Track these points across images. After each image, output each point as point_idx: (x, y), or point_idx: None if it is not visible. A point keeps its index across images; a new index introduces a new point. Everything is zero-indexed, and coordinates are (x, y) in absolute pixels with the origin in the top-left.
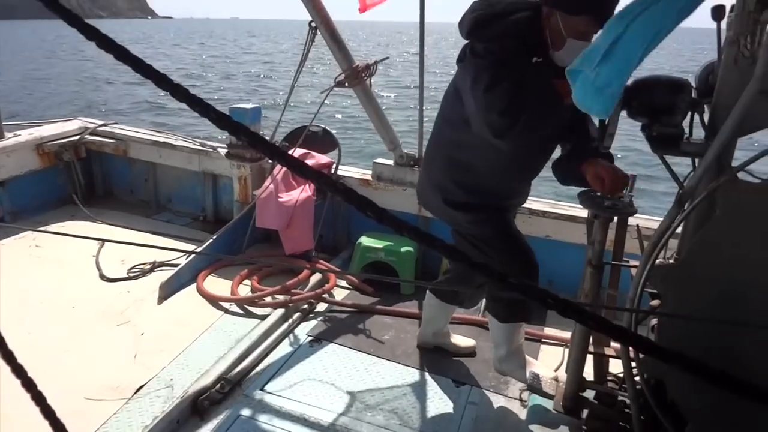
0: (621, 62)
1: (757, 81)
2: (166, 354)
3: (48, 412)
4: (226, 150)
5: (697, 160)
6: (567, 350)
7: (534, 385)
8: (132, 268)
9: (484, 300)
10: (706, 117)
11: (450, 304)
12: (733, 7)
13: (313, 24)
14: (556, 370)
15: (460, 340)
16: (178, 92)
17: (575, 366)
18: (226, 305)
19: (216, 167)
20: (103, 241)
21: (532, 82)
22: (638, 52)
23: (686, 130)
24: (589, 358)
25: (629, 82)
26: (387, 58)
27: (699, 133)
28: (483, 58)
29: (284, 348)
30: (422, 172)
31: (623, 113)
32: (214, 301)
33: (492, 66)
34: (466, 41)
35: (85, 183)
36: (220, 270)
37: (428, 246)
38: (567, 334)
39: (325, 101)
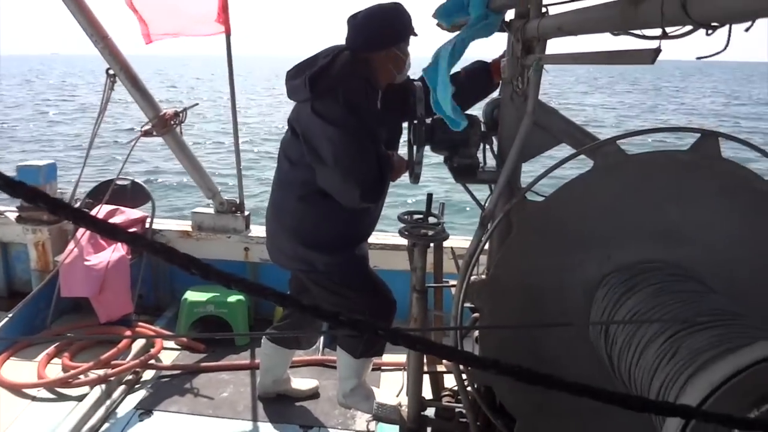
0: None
1: (530, 116)
2: None
3: None
4: (17, 214)
5: (493, 185)
6: (406, 374)
7: (379, 415)
8: None
9: (321, 338)
10: (496, 147)
11: (289, 349)
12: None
13: (111, 71)
14: (398, 395)
15: (302, 383)
16: None
17: (414, 388)
18: (32, 392)
19: (5, 234)
20: None
21: (379, 126)
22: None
23: (482, 159)
24: (427, 378)
25: (429, 120)
26: (197, 104)
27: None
28: (329, 122)
29: (110, 428)
30: (271, 220)
31: (428, 147)
32: (16, 389)
33: (343, 134)
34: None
35: None
36: (20, 352)
37: (259, 296)
38: (405, 358)
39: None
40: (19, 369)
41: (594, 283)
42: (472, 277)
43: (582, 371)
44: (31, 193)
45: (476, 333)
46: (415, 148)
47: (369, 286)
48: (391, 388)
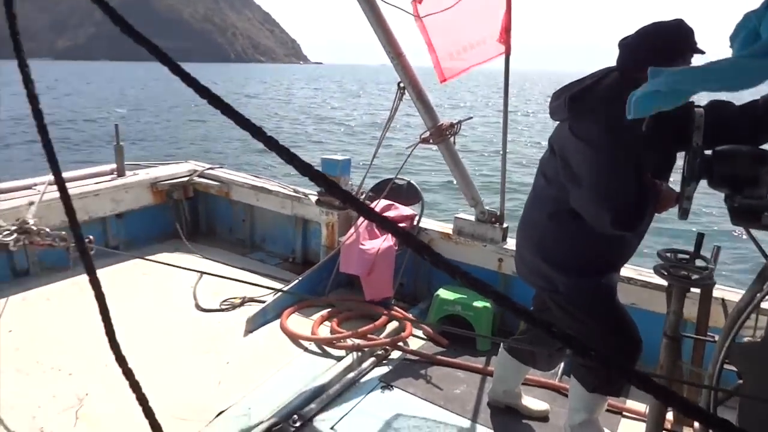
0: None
1: None
2: (246, 384)
3: (148, 413)
4: (316, 197)
5: None
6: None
7: None
8: (224, 301)
9: (562, 365)
10: None
11: (524, 364)
12: None
13: (402, 84)
14: None
15: (533, 402)
16: (270, 143)
17: None
18: (305, 344)
19: (307, 213)
20: (201, 273)
21: (646, 152)
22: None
23: None
24: None
25: (708, 151)
26: (471, 117)
27: None
28: (587, 142)
29: (356, 391)
30: (519, 234)
31: (703, 182)
32: (295, 338)
33: (600, 156)
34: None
35: (190, 220)
36: (303, 310)
37: (498, 303)
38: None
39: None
40: (300, 323)
41: None
42: (746, 338)
43: None
44: (329, 184)
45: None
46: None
47: (613, 319)
48: None
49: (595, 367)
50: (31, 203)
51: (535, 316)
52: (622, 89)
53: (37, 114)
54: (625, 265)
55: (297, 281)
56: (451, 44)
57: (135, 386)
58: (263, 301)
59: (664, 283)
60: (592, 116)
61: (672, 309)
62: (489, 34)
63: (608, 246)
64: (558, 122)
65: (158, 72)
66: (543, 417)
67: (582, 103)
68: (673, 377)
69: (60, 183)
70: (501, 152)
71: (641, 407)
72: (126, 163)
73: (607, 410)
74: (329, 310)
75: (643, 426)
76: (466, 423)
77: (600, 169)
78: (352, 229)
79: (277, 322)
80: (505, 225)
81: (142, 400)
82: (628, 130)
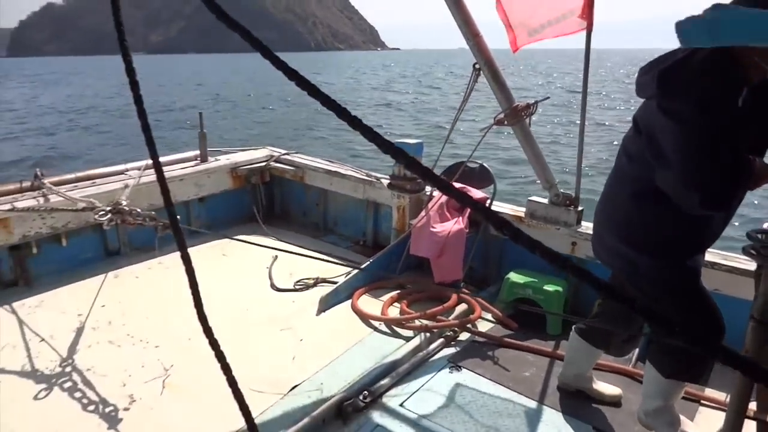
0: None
1: None
2: (319, 360)
3: (231, 382)
4: (388, 181)
5: None
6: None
7: None
8: (298, 281)
9: (636, 350)
10: None
11: (596, 348)
12: None
13: (477, 65)
14: None
15: (605, 387)
16: (354, 122)
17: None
18: (376, 323)
19: (378, 196)
20: (277, 255)
21: (742, 128)
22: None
23: None
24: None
25: None
26: (548, 98)
27: None
28: (676, 120)
29: (425, 370)
30: (598, 213)
31: None
32: (365, 318)
33: (690, 134)
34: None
35: (266, 204)
36: (373, 291)
37: (578, 277)
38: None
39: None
40: (370, 304)
41: None
42: None
43: None
44: (409, 160)
45: None
46: None
47: (695, 303)
48: (706, 427)
49: (673, 351)
50: (126, 186)
51: (616, 290)
52: (717, 63)
53: (138, 99)
54: (709, 249)
55: (368, 263)
56: (529, 22)
57: (220, 356)
58: (335, 282)
59: (750, 267)
60: (683, 93)
61: (761, 291)
62: (569, 10)
63: (695, 226)
64: (644, 99)
65: (238, 64)
66: (615, 402)
67: (673, 78)
68: (760, 362)
69: (157, 165)
70: (579, 132)
71: (721, 396)
72: (208, 149)
73: (684, 398)
74: (399, 291)
75: (722, 415)
76: (534, 404)
77: (689, 149)
78: (423, 212)
79: (349, 302)
80: (580, 208)
81: (227, 369)
82: (722, 106)
